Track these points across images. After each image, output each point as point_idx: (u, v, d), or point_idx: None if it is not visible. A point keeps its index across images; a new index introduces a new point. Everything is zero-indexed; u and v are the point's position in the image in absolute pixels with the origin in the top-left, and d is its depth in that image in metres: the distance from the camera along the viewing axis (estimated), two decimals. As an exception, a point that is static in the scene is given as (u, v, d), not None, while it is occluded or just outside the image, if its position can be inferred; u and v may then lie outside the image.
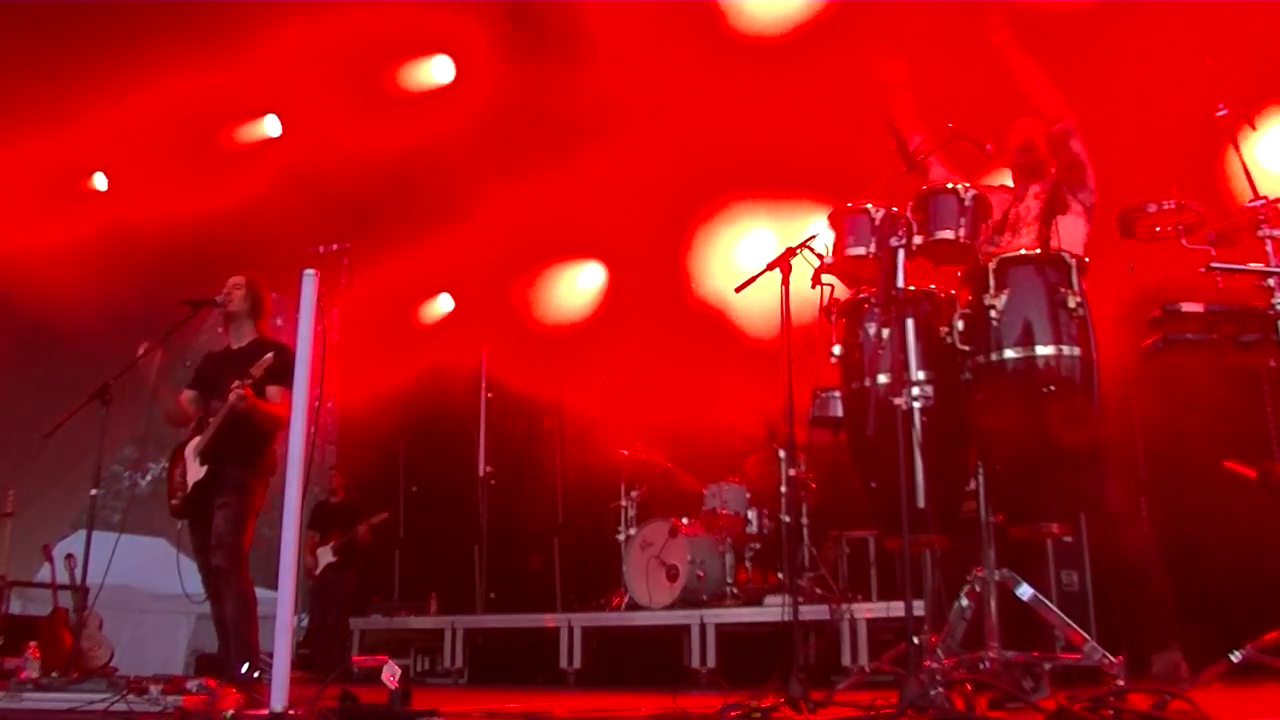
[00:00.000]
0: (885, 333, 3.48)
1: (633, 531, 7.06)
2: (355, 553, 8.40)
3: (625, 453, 7.31)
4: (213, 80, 7.04)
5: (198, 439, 4.78)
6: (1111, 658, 3.32)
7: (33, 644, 4.85)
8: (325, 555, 8.30)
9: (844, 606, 5.74)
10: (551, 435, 9.00)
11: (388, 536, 9.55)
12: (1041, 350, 3.41)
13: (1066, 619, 3.54)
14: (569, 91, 7.18)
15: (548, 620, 7.00)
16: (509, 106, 7.42)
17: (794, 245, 4.11)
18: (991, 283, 3.48)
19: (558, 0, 6.54)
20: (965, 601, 3.62)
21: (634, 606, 6.80)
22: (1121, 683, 3.20)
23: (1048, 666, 3.45)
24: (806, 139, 6.35)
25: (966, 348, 3.50)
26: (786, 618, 4.03)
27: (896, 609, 5.50)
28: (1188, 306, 3.55)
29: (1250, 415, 5.71)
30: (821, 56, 6.18)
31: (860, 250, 3.67)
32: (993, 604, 3.58)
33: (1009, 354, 3.43)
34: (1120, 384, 5.40)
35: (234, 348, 4.96)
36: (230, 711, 3.24)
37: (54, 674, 4.35)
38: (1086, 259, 3.61)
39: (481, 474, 8.75)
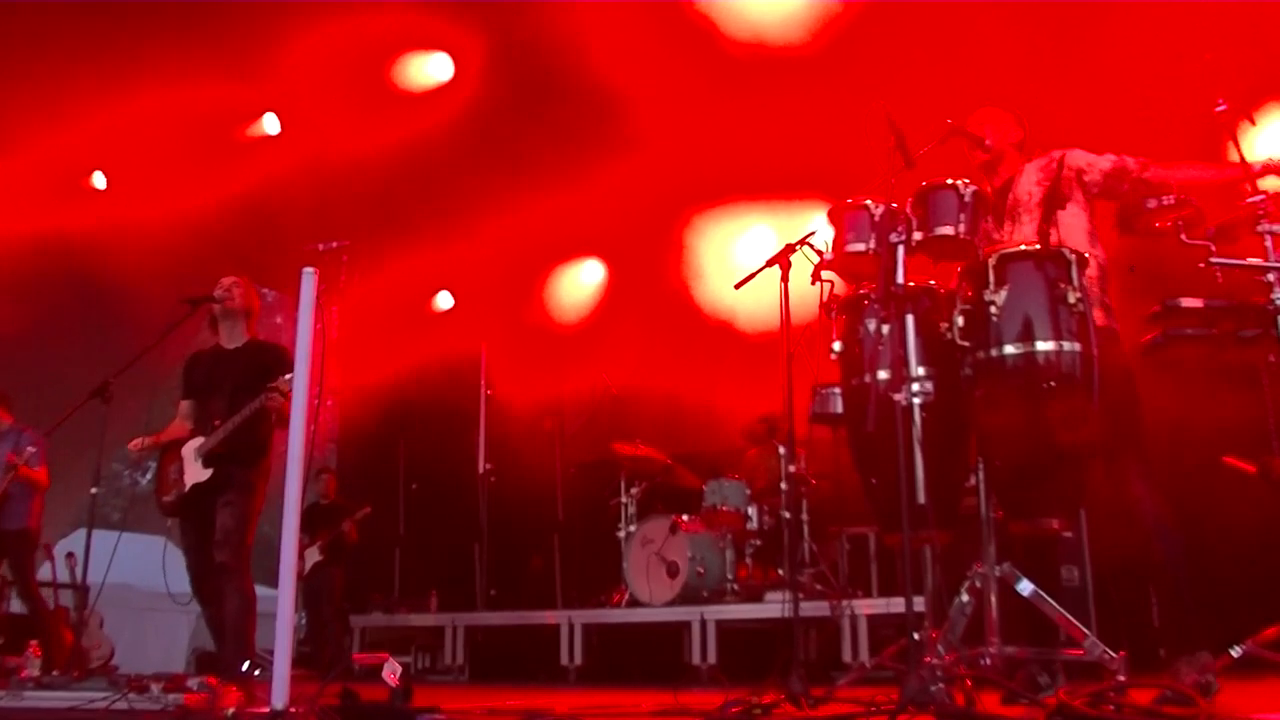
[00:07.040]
0: (885, 328, 3.48)
1: (633, 528, 7.06)
2: (341, 549, 8.43)
3: (625, 449, 7.30)
4: (212, 79, 7.04)
5: (200, 439, 4.73)
6: (1112, 653, 3.31)
7: (34, 642, 4.86)
8: (312, 555, 8.33)
9: (844, 602, 5.75)
10: (551, 433, 9.00)
11: (388, 534, 9.57)
12: (1042, 346, 3.40)
13: (1067, 614, 3.54)
14: (569, 91, 7.18)
15: (548, 617, 7.00)
16: (509, 105, 7.42)
17: (793, 242, 4.11)
18: (991, 278, 3.48)
19: (558, 1, 6.53)
20: (965, 597, 3.62)
21: (634, 603, 6.80)
22: (1122, 678, 3.20)
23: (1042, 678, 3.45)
24: (805, 138, 6.35)
25: (966, 343, 3.49)
26: (787, 614, 4.03)
27: (897, 605, 5.50)
28: (1187, 302, 3.55)
29: (1250, 410, 5.71)
30: (820, 58, 6.18)
31: (860, 246, 3.66)
32: (993, 599, 3.58)
33: (1009, 350, 3.42)
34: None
35: (227, 348, 4.90)
36: (231, 709, 3.24)
37: (55, 672, 4.35)
38: (1087, 254, 3.59)
39: (481, 471, 8.76)
